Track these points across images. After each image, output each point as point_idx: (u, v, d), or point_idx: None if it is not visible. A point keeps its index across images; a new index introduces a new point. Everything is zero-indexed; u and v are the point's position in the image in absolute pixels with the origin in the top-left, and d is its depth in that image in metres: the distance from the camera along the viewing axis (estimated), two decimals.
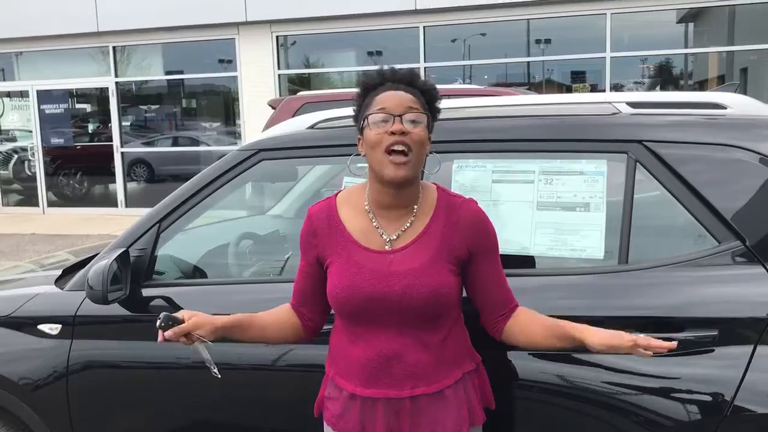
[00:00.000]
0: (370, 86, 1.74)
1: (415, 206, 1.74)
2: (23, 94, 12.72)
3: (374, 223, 1.74)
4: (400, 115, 1.64)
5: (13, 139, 13.13)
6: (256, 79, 11.27)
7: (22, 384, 2.41)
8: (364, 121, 1.70)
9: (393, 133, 1.62)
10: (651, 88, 10.32)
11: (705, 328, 1.83)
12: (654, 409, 1.83)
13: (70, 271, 2.74)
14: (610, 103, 2.26)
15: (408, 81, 1.72)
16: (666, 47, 10.11)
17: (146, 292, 2.36)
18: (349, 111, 2.38)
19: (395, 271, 1.68)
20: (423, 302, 1.66)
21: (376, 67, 1.77)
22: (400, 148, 1.62)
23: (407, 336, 1.70)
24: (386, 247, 1.72)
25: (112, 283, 2.23)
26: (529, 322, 1.76)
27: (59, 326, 2.42)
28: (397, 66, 1.76)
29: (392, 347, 1.70)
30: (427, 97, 1.74)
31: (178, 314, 1.66)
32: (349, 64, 11.36)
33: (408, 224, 1.73)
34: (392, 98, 1.67)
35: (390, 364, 1.70)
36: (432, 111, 1.76)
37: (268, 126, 6.67)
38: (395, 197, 1.71)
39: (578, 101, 2.34)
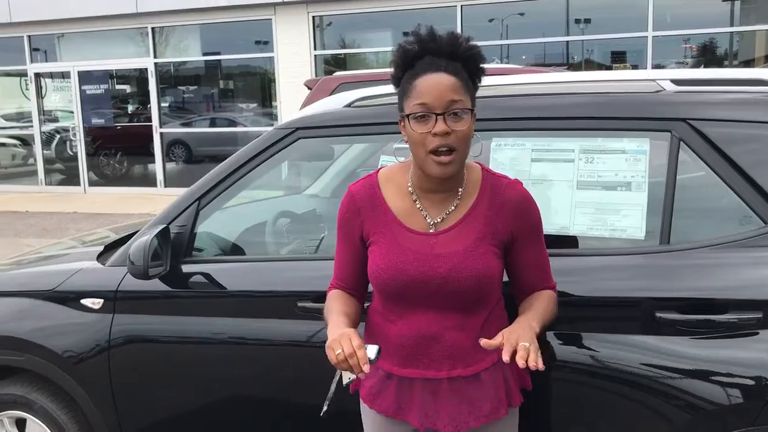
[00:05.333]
0: (409, 59, 1.63)
1: (460, 189, 1.70)
2: (65, 75, 12.95)
3: (417, 205, 1.71)
4: (443, 113, 1.56)
5: (55, 120, 13.40)
6: (293, 59, 11.28)
7: (66, 356, 2.47)
8: (403, 113, 1.63)
9: (436, 134, 1.56)
10: (694, 68, 10.06)
11: (749, 311, 1.79)
12: (695, 392, 1.81)
13: (111, 248, 2.79)
14: (653, 80, 2.21)
15: (449, 52, 1.60)
16: (710, 26, 9.83)
17: (186, 268, 2.39)
18: (387, 89, 2.38)
19: (440, 253, 1.66)
20: (467, 286, 1.63)
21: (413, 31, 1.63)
22: (445, 150, 1.57)
23: (448, 318, 1.68)
24: (430, 230, 1.69)
25: (153, 258, 2.27)
26: (526, 305, 1.73)
27: (101, 301, 2.47)
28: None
29: (432, 328, 1.68)
30: (471, 65, 1.63)
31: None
32: (386, 45, 11.28)
33: (453, 207, 1.70)
34: (433, 89, 1.56)
35: (429, 345, 1.69)
36: (475, 76, 1.66)
37: (304, 107, 6.68)
38: (439, 184, 1.68)
39: (620, 78, 2.29)
